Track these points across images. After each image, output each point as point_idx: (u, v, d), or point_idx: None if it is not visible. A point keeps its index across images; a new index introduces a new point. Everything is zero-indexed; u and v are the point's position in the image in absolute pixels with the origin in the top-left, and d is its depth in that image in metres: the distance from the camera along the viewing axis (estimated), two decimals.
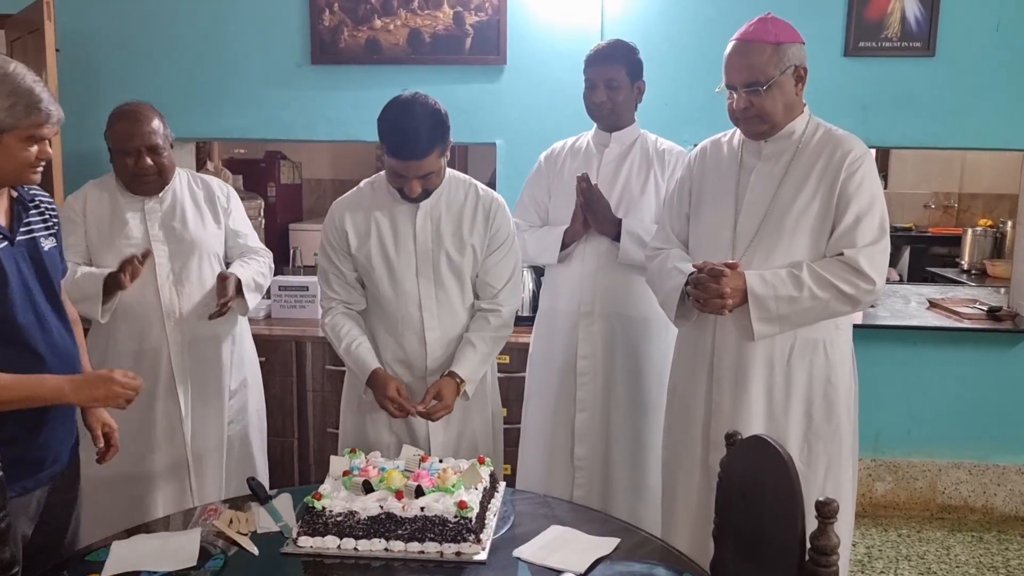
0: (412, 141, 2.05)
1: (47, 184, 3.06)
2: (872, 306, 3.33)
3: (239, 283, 2.53)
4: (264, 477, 2.74)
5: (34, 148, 1.74)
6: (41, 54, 3.09)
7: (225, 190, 2.68)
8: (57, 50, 3.13)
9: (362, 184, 2.31)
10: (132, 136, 2.42)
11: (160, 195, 2.53)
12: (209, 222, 2.60)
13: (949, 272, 5.13)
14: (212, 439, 2.59)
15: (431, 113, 2.08)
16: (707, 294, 1.99)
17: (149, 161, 2.44)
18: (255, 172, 5.38)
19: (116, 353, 2.49)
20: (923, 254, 5.80)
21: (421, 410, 2.16)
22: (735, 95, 2.04)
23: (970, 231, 5.21)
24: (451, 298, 2.25)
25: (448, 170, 2.25)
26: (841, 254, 1.97)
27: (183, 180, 2.61)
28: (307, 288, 3.45)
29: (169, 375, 2.52)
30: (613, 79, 2.49)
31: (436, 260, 2.22)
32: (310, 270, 4.00)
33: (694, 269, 2.06)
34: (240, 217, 2.69)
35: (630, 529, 1.88)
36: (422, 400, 2.17)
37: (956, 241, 5.54)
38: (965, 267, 5.15)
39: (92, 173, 3.53)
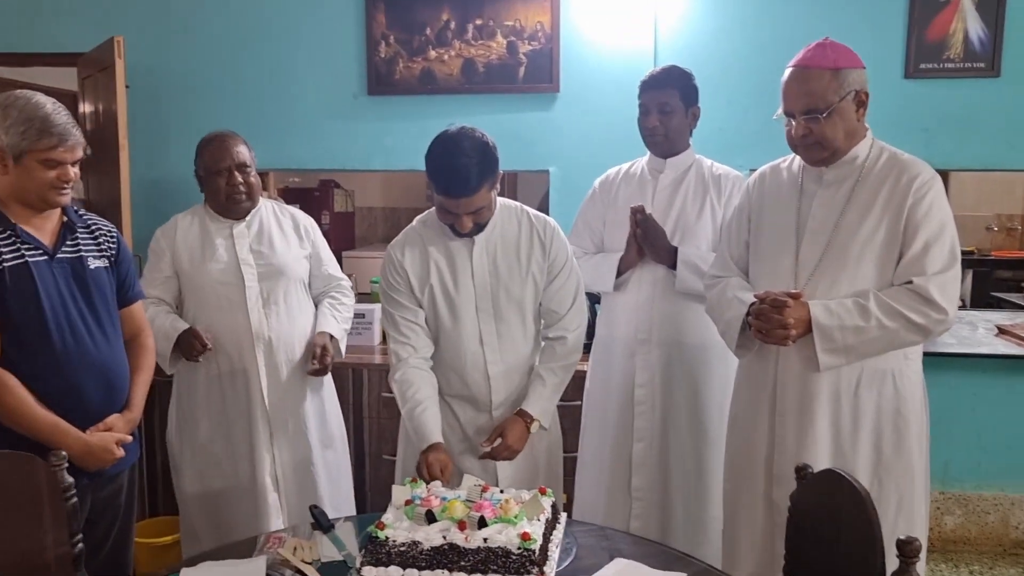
0: (461, 178, 2.01)
1: (115, 214, 3.17)
2: None
3: (333, 338, 2.65)
4: (349, 503, 2.80)
5: (53, 172, 1.90)
6: (111, 90, 3.21)
7: (307, 220, 2.76)
8: (127, 86, 3.24)
9: (414, 223, 2.28)
10: (223, 156, 2.54)
11: (248, 220, 2.63)
12: (295, 248, 2.67)
13: (1015, 297, 4.96)
14: (298, 462, 2.64)
15: (478, 148, 2.03)
16: (770, 325, 1.95)
17: (240, 178, 2.55)
18: (309, 200, 5.48)
19: (208, 376, 2.59)
20: (986, 278, 5.61)
21: (487, 448, 2.13)
22: (793, 122, 2.01)
23: None
24: (512, 331, 2.22)
25: (499, 200, 2.23)
26: (910, 282, 1.92)
27: (268, 208, 2.70)
28: (364, 316, 3.49)
29: (260, 397, 2.58)
30: (666, 104, 2.48)
31: (495, 295, 2.19)
32: (365, 297, 4.05)
33: (755, 299, 2.03)
34: (322, 245, 2.77)
35: (693, 562, 1.84)
36: (488, 439, 2.15)
37: (1020, 264, 5.37)
38: None
39: (160, 204, 3.66)
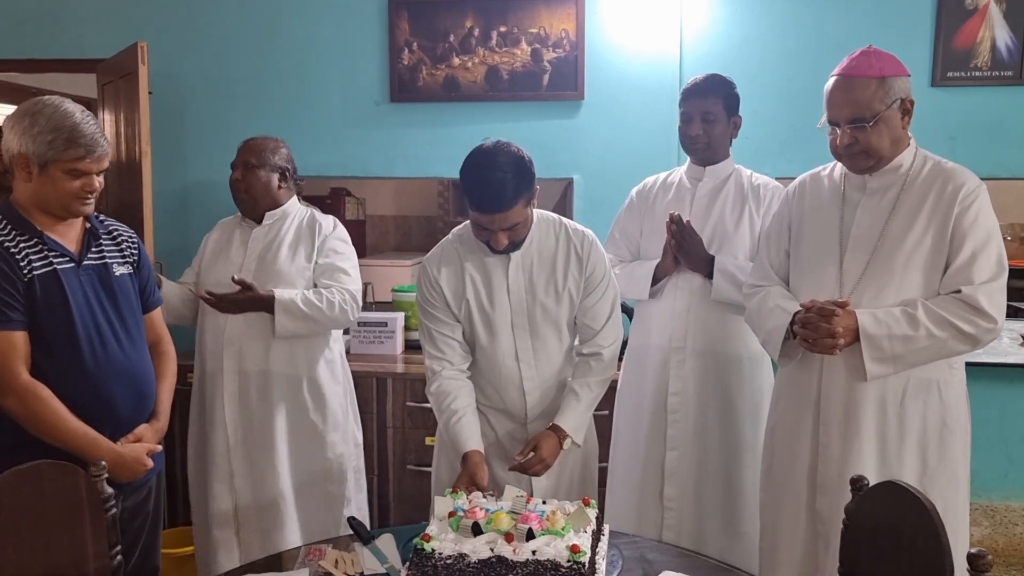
0: (496, 194, 1.96)
1: (137, 220, 3.15)
2: None
3: (265, 298, 2.50)
4: (364, 516, 2.77)
5: (78, 181, 1.88)
6: (134, 97, 3.19)
7: (331, 228, 2.69)
8: (150, 93, 3.22)
9: (449, 237, 2.25)
10: (239, 152, 2.65)
11: (269, 225, 2.65)
12: (300, 260, 2.62)
13: None
14: (256, 489, 2.62)
15: (514, 162, 1.99)
16: (817, 334, 1.93)
17: (239, 176, 2.60)
18: (320, 208, 5.44)
19: (201, 373, 2.67)
20: None
21: (519, 460, 2.10)
22: (839, 131, 1.99)
23: None
24: (548, 347, 2.19)
25: (536, 211, 2.18)
26: (958, 291, 1.90)
27: (297, 216, 2.69)
28: (386, 324, 3.46)
29: (220, 405, 2.60)
30: (710, 112, 2.47)
31: (531, 312, 2.16)
32: (383, 306, 4.02)
33: (800, 308, 2.00)
34: (333, 252, 2.65)
35: (739, 573, 1.82)
36: (521, 451, 2.12)
37: None
38: None
39: (181, 210, 3.66)
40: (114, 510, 1.75)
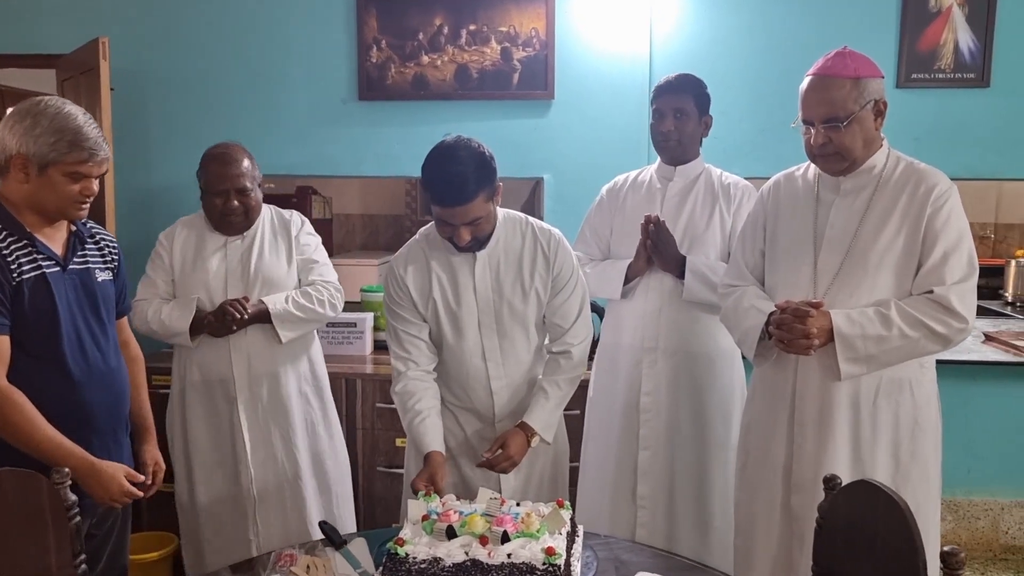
0: (456, 187, 1.96)
1: (99, 218, 3.08)
2: None
3: (262, 313, 2.49)
4: (349, 517, 2.75)
5: (77, 185, 1.85)
6: (95, 93, 3.12)
7: (299, 223, 2.68)
8: (112, 89, 3.15)
9: (417, 236, 2.24)
10: (222, 179, 2.47)
11: (244, 233, 2.57)
12: (284, 261, 2.61)
13: (993, 304, 5.04)
14: (278, 476, 2.58)
15: (474, 156, 1.99)
16: (792, 335, 1.94)
17: (236, 203, 2.49)
18: (286, 207, 5.36)
19: (201, 381, 2.57)
20: None
21: (488, 457, 2.09)
22: (813, 131, 2.00)
23: (1013, 263, 5.12)
24: (516, 346, 2.19)
25: (502, 211, 2.18)
26: (930, 292, 1.92)
27: (266, 218, 2.63)
28: (355, 324, 3.42)
29: (236, 411, 2.55)
30: (682, 109, 2.47)
31: (498, 311, 2.15)
32: (352, 306, 3.97)
33: (775, 308, 2.01)
34: (312, 248, 2.67)
35: (714, 573, 1.83)
36: (489, 448, 2.11)
37: (994, 272, 5.45)
38: (1009, 299, 5.06)
39: (144, 210, 3.58)
40: (78, 519, 1.70)
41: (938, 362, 3.30)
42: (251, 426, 2.56)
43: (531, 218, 2.22)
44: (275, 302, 2.51)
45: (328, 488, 2.71)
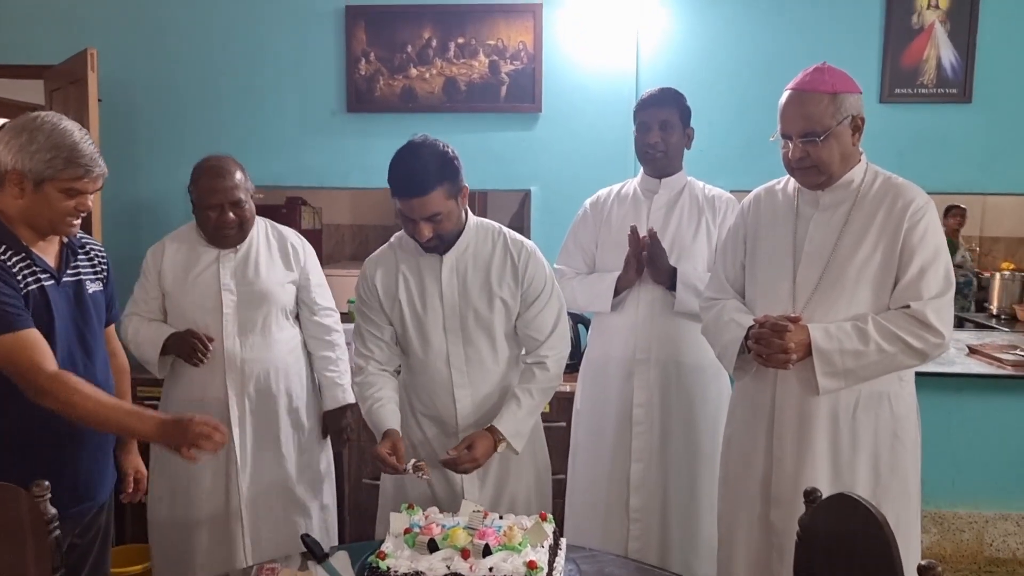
0: (414, 180, 2.00)
1: (86, 231, 3.07)
2: None
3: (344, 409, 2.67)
4: (332, 532, 2.74)
5: (72, 201, 1.85)
6: (83, 104, 3.12)
7: (300, 242, 2.68)
8: (100, 100, 3.15)
9: (392, 239, 2.25)
10: (216, 191, 2.44)
11: (237, 247, 2.56)
12: (279, 274, 2.59)
13: (978, 317, 5.08)
14: (270, 491, 2.57)
15: (435, 152, 2.04)
16: (770, 349, 1.95)
17: (232, 216, 2.47)
18: (276, 218, 5.30)
19: (177, 400, 2.54)
20: None
21: (451, 455, 2.06)
22: (791, 145, 2.03)
23: (998, 275, 5.16)
24: (482, 355, 2.17)
25: (477, 219, 2.20)
26: (907, 307, 1.93)
27: (260, 230, 2.62)
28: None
29: (228, 426, 2.49)
30: (667, 121, 2.50)
31: (464, 316, 2.15)
32: (340, 317, 3.97)
33: (754, 322, 2.03)
34: (312, 269, 2.67)
35: None
36: (456, 447, 2.09)
37: (978, 286, 5.49)
38: (994, 312, 5.10)
39: (131, 220, 3.58)
40: (58, 532, 1.69)
41: (922, 374, 3.32)
42: (242, 444, 2.53)
43: (506, 229, 2.22)
44: (345, 395, 2.64)
45: (319, 502, 2.70)
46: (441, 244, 2.11)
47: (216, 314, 2.50)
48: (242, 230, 2.52)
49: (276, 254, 2.62)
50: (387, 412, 2.15)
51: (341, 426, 2.72)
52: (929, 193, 2.06)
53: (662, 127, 2.51)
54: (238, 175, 2.49)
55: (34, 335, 1.79)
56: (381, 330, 2.22)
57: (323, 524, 2.72)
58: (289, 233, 2.69)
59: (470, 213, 2.19)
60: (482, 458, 2.08)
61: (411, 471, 2.03)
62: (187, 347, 2.45)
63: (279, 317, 2.59)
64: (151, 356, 2.50)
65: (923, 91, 3.32)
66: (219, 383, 2.51)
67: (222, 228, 2.48)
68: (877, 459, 2.02)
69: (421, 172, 2.00)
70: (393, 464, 2.03)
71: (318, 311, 2.68)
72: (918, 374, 2.08)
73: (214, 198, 2.45)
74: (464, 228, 2.15)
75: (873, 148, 3.23)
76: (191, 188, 2.51)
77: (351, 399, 2.62)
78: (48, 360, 1.78)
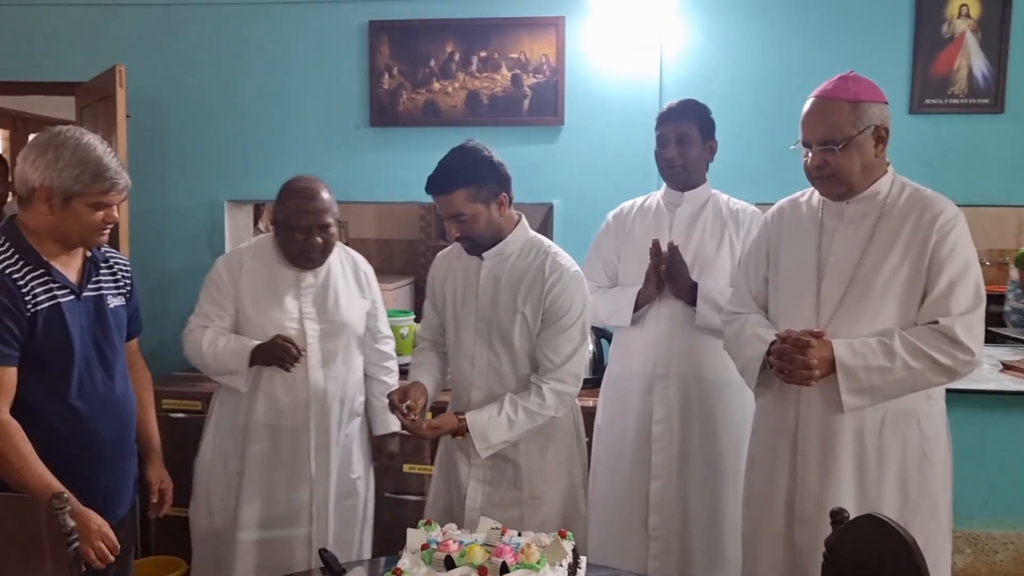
0: (438, 176, 2.09)
1: (114, 243, 3.11)
2: None
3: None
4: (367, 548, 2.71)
5: (100, 213, 1.88)
6: (112, 120, 3.16)
7: (367, 268, 2.65)
8: (128, 116, 3.19)
9: None
10: (305, 213, 2.37)
11: (316, 270, 2.49)
12: (356, 303, 2.56)
13: (1016, 332, 4.95)
14: (338, 507, 2.55)
15: (470, 155, 2.12)
16: (792, 365, 1.91)
17: (319, 240, 2.40)
18: None
19: (254, 426, 2.45)
20: None
21: (412, 418, 2.10)
22: (810, 153, 1.99)
23: None
24: (501, 363, 2.19)
25: (531, 234, 2.23)
26: (935, 322, 1.88)
27: (335, 254, 2.54)
28: None
29: (306, 457, 2.46)
30: (685, 134, 2.47)
31: (490, 322, 2.19)
32: None
33: (776, 337, 1.99)
34: (378, 295, 2.65)
35: None
36: (422, 410, 2.15)
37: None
38: None
39: (158, 234, 3.62)
40: (77, 544, 1.70)
41: (954, 391, 3.26)
42: (319, 461, 2.48)
43: (557, 251, 2.21)
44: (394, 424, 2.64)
45: (365, 514, 2.69)
46: (474, 246, 2.18)
47: (298, 343, 2.38)
48: (325, 254, 2.45)
49: (352, 281, 2.57)
50: (420, 372, 2.31)
51: (391, 450, 2.73)
52: (960, 205, 2.01)
53: (680, 141, 2.48)
54: (326, 197, 2.43)
55: (7, 376, 1.79)
56: (431, 319, 2.37)
57: (361, 535, 2.71)
58: (358, 257, 2.65)
59: (523, 225, 2.23)
60: (430, 433, 2.13)
61: (404, 411, 2.11)
62: (277, 353, 2.34)
63: (354, 345, 2.56)
64: (238, 367, 2.38)
65: (954, 101, 3.26)
66: (301, 412, 2.45)
67: (308, 252, 2.41)
68: (905, 479, 1.96)
69: (446, 172, 2.10)
70: (395, 403, 2.13)
71: (380, 339, 2.68)
72: (949, 391, 2.02)
73: (303, 220, 2.37)
74: (505, 236, 2.19)
75: (902, 159, 3.17)
76: (278, 206, 2.44)
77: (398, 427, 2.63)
78: (6, 404, 1.79)
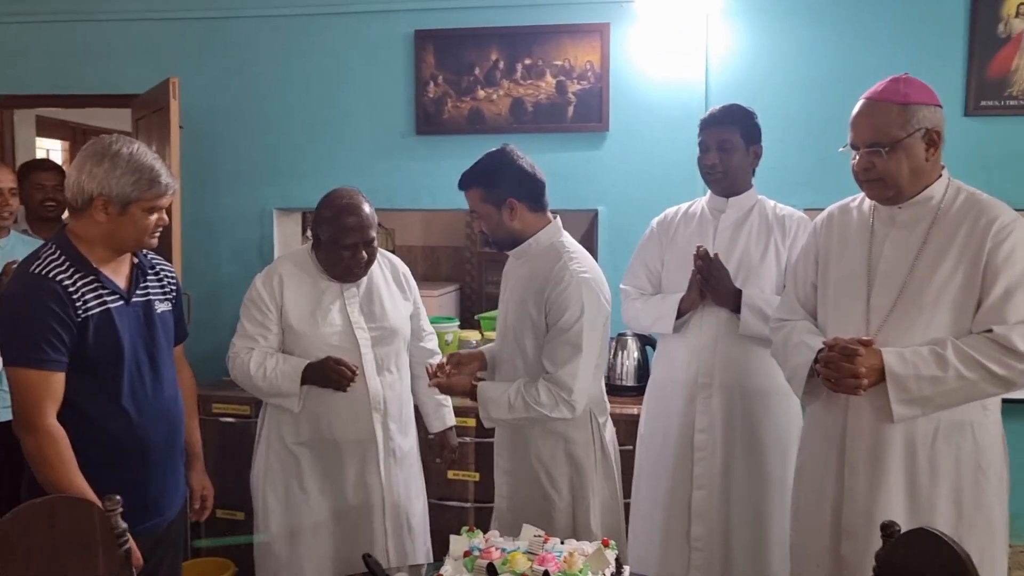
0: (462, 174, 2.25)
1: (167, 251, 3.19)
2: None
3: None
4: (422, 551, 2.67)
5: (154, 216, 1.95)
6: (165, 131, 3.25)
7: (405, 269, 2.65)
8: (181, 127, 3.28)
9: None
10: (352, 230, 2.34)
11: (359, 281, 2.48)
12: (401, 306, 2.56)
13: None
14: (401, 521, 2.54)
15: (492, 158, 2.23)
16: (840, 374, 1.86)
17: (364, 255, 2.38)
18: None
19: (321, 441, 2.44)
20: None
21: (440, 379, 2.26)
22: (858, 155, 1.95)
23: None
24: (514, 360, 2.25)
25: (555, 241, 2.22)
26: (990, 331, 1.82)
27: (377, 262, 2.53)
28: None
29: (376, 469, 2.46)
30: (726, 141, 2.44)
31: (506, 319, 2.30)
32: None
33: (823, 345, 1.95)
34: (418, 295, 2.66)
35: None
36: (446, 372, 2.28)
37: None
38: None
39: (207, 240, 3.71)
40: (128, 546, 1.74)
41: (1011, 401, 3.15)
42: (387, 479, 2.47)
43: (575, 260, 2.18)
44: (451, 415, 2.74)
45: (419, 520, 2.67)
46: (494, 243, 2.30)
47: (353, 355, 2.39)
48: (369, 265, 2.44)
49: (393, 286, 2.56)
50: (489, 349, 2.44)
51: (452, 444, 2.76)
52: (1018, 210, 1.95)
53: (720, 147, 2.44)
54: (368, 211, 2.40)
55: (53, 379, 1.83)
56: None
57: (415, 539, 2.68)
58: (394, 259, 2.64)
59: (551, 229, 2.24)
60: (453, 389, 2.28)
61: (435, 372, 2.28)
62: (333, 376, 2.32)
63: (403, 349, 2.57)
64: (290, 389, 2.35)
65: (1012, 103, 3.16)
66: (365, 424, 2.43)
67: (354, 267, 2.39)
68: (959, 492, 1.90)
69: (468, 171, 2.24)
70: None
71: (424, 336, 2.70)
72: (1005, 401, 1.95)
73: (350, 237, 2.33)
74: (527, 238, 2.24)
75: (958, 163, 3.09)
76: (320, 222, 2.39)
77: (453, 419, 2.74)
78: (54, 409, 1.83)
